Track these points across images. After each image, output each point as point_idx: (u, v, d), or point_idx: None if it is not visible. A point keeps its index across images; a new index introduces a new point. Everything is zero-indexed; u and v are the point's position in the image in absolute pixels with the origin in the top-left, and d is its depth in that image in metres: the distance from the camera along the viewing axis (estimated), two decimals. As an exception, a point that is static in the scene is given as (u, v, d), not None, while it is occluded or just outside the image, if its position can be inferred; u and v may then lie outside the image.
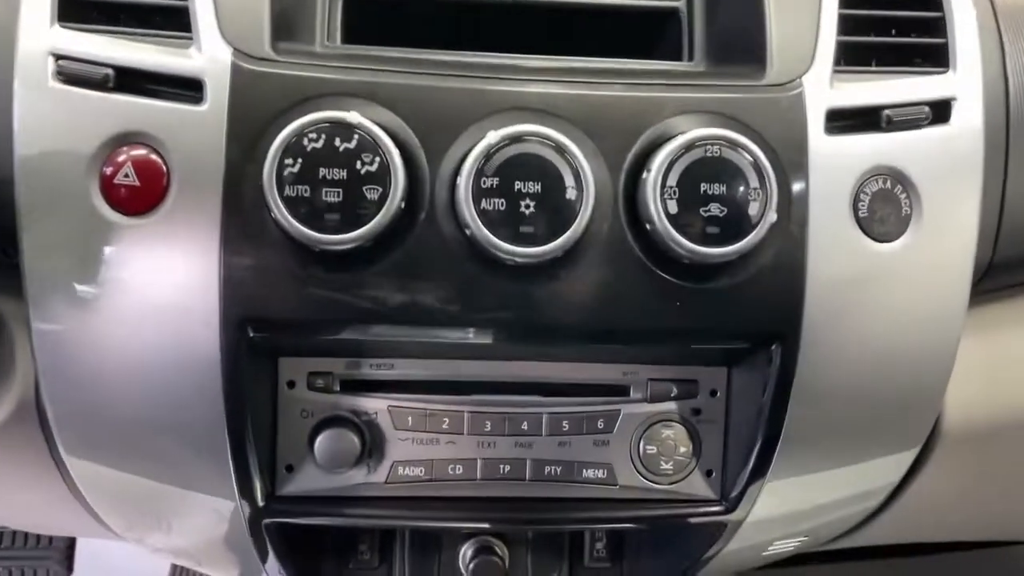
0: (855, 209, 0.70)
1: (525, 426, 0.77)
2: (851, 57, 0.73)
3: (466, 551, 0.96)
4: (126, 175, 0.65)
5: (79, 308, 0.67)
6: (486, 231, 0.63)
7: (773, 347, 0.71)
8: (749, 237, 0.65)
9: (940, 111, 0.72)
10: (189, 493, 0.76)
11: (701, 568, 0.92)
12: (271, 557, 0.83)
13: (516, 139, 0.64)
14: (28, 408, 0.75)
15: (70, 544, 1.51)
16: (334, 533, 0.95)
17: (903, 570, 1.41)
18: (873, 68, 0.73)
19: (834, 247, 0.70)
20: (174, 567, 1.56)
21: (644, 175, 0.66)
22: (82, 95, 0.65)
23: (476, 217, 0.63)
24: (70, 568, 1.51)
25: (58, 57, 0.66)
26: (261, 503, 0.75)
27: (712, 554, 0.87)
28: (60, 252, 0.66)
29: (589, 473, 0.78)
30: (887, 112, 0.71)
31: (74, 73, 0.65)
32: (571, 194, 0.64)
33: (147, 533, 0.85)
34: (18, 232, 0.66)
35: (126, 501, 0.79)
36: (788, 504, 0.82)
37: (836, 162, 0.70)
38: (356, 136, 0.63)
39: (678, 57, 0.79)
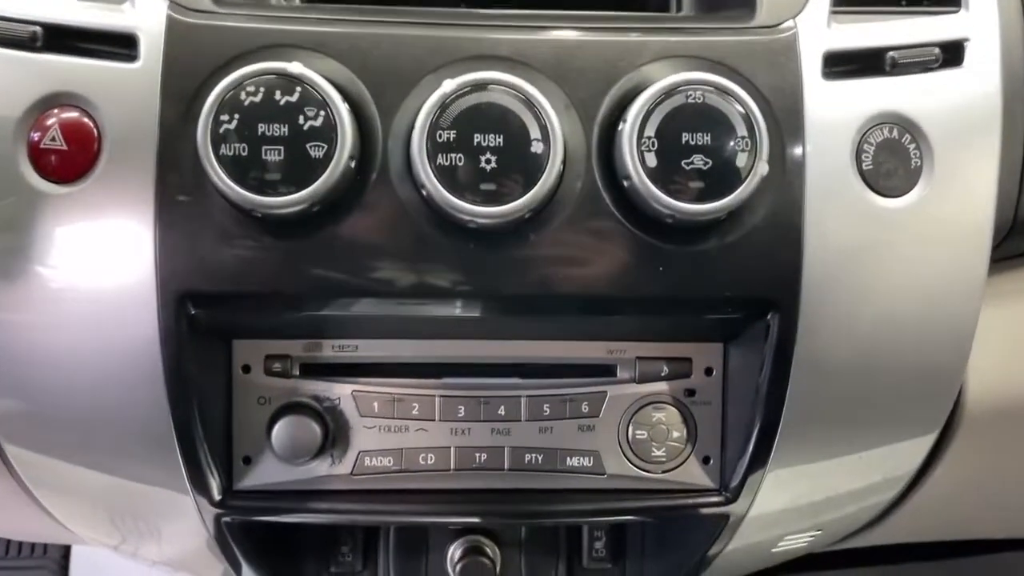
0: (858, 161, 0.63)
1: (502, 411, 0.71)
2: None
3: (454, 552, 0.90)
4: (53, 139, 0.60)
5: (7, 287, 0.61)
6: (443, 190, 0.57)
7: (769, 317, 0.64)
8: (737, 192, 0.59)
9: (952, 53, 0.65)
10: (142, 487, 0.70)
11: (706, 568, 0.85)
12: (243, 563, 0.78)
13: (476, 87, 0.58)
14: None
15: (65, 554, 1.47)
16: (312, 533, 0.90)
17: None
18: (874, 8, 0.66)
19: (835, 203, 0.63)
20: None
21: (620, 126, 0.59)
22: (8, 56, 0.61)
23: (432, 175, 0.57)
24: (64, 578, 1.47)
25: (-18, 15, 0.61)
26: (217, 498, 0.69)
27: (716, 551, 0.80)
28: (-13, 225, 0.61)
29: (574, 461, 0.72)
30: (892, 54, 0.64)
31: (0, 32, 0.61)
32: (537, 147, 0.58)
33: (107, 533, 0.80)
34: None
35: (75, 496, 0.74)
36: (795, 495, 0.75)
37: (836, 109, 0.63)
38: (298, 89, 0.57)
39: (666, 10, 0.72)
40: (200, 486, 0.68)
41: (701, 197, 0.58)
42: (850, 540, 0.93)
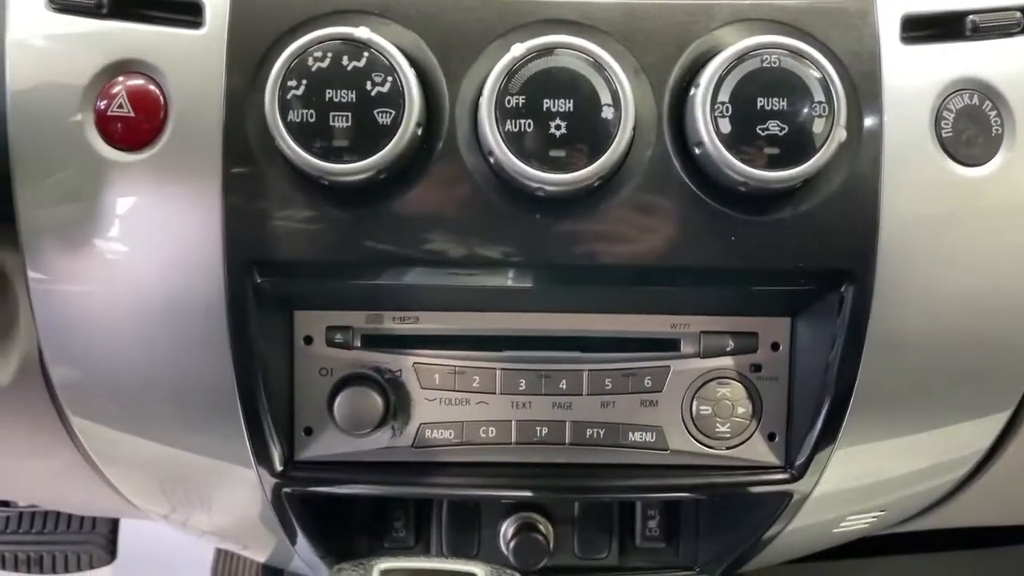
0: (937, 128, 0.61)
1: (564, 385, 0.70)
2: None
3: (507, 528, 0.89)
4: (120, 106, 0.60)
5: (76, 257, 0.62)
6: (512, 156, 0.56)
7: (843, 289, 0.62)
8: (814, 159, 0.57)
9: (1035, 16, 0.63)
10: (205, 461, 0.71)
11: (764, 548, 0.83)
12: (300, 535, 0.78)
13: (545, 52, 0.57)
14: (33, 368, 0.71)
15: (113, 529, 1.49)
16: (365, 507, 0.90)
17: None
18: None
19: (913, 171, 0.61)
20: (217, 553, 1.53)
21: (692, 91, 0.58)
22: (75, 23, 0.61)
23: (500, 141, 0.56)
24: (113, 553, 1.49)
25: (50, -17, 0.61)
26: (279, 469, 0.69)
27: (777, 531, 0.79)
28: (54, 195, 0.61)
29: (636, 437, 0.71)
30: (973, 18, 0.62)
31: (66, 0, 0.60)
32: (608, 113, 0.56)
33: (166, 507, 0.81)
34: (10, 175, 0.61)
35: (138, 468, 0.74)
36: (862, 474, 0.73)
37: (914, 75, 0.61)
38: (366, 54, 0.56)
39: None
40: (262, 457, 0.68)
41: (776, 164, 0.57)
42: (911, 523, 0.91)
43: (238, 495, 0.74)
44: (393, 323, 0.70)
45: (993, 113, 0.61)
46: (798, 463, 0.70)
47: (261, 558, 0.95)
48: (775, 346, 0.70)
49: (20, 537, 1.45)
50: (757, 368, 0.70)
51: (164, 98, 0.60)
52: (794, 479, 0.71)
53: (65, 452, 0.75)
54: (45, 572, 1.47)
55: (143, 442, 0.70)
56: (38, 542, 1.45)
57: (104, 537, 1.48)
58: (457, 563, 0.58)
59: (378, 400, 0.68)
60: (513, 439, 0.70)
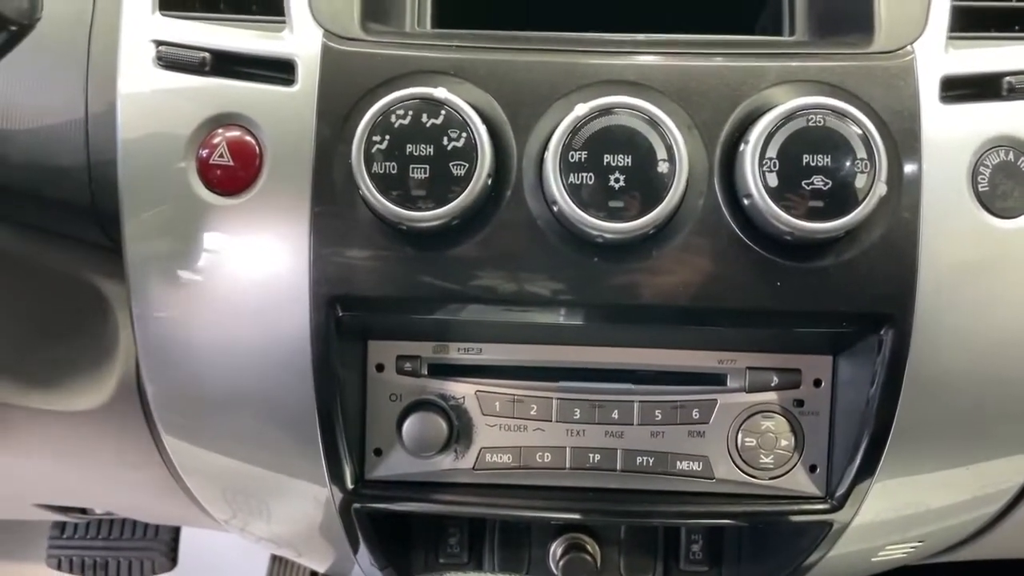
0: (974, 183, 0.65)
1: (616, 415, 0.75)
2: (967, 23, 0.68)
3: (556, 548, 0.94)
4: (221, 155, 0.66)
5: (176, 288, 0.68)
6: (574, 206, 0.61)
7: (883, 331, 0.66)
8: (856, 211, 0.61)
9: (1068, 78, 0.66)
10: (282, 477, 0.77)
11: (804, 574, 0.87)
12: (362, 546, 0.83)
13: (606, 111, 0.62)
14: (130, 389, 0.77)
15: (174, 537, 1.56)
16: (423, 524, 0.94)
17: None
18: (991, 34, 0.68)
19: (951, 223, 0.65)
20: (273, 559, 1.59)
21: (742, 147, 0.63)
22: (180, 79, 0.67)
23: (564, 192, 0.62)
24: (174, 560, 1.55)
25: (159, 43, 0.68)
26: (351, 486, 0.74)
27: (817, 559, 0.82)
28: (159, 233, 0.68)
29: (684, 465, 0.75)
30: (1009, 79, 0.66)
31: (173, 58, 0.67)
32: (663, 167, 0.61)
33: (242, 518, 0.87)
34: (120, 215, 0.68)
35: (222, 484, 0.80)
36: (900, 505, 0.77)
37: (952, 133, 0.65)
38: (443, 112, 0.62)
39: (779, 32, 0.75)
40: (336, 474, 0.73)
41: (820, 216, 0.61)
42: (950, 554, 0.94)
43: (309, 508, 0.80)
44: (458, 354, 0.75)
45: None
46: (838, 494, 0.74)
47: (320, 567, 1.01)
48: (817, 382, 0.74)
49: (88, 543, 1.52)
50: (800, 403, 0.74)
51: (259, 148, 0.66)
52: (834, 509, 0.74)
53: (153, 467, 0.81)
54: (110, 576, 1.54)
55: (228, 461, 0.76)
56: (104, 548, 1.52)
57: (166, 544, 1.54)
58: (517, 579, 0.63)
59: (443, 425, 0.74)
60: (567, 464, 0.75)
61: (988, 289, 0.66)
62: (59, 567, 1.53)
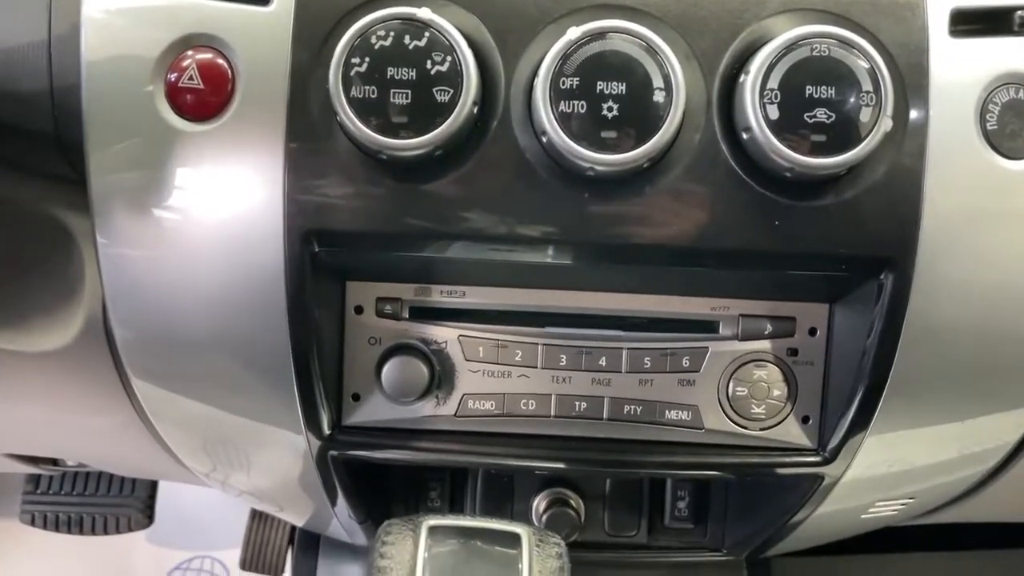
0: (982, 122, 0.62)
1: (603, 362, 0.72)
2: None
3: (540, 502, 0.92)
4: (191, 78, 0.62)
5: (143, 220, 0.65)
6: (564, 136, 0.58)
7: (883, 276, 0.64)
8: (860, 147, 0.58)
9: (1083, 13, 0.63)
10: (256, 425, 0.74)
11: (792, 531, 0.85)
12: (340, 498, 0.81)
13: (600, 35, 0.58)
14: (96, 329, 0.74)
15: (151, 493, 1.53)
16: (403, 477, 0.92)
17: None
18: None
19: (957, 163, 0.62)
20: (252, 517, 1.57)
21: (742, 78, 0.60)
22: None
23: (554, 121, 0.58)
24: (151, 517, 1.53)
25: (124, -42, 0.63)
26: (327, 432, 0.72)
27: (805, 515, 0.81)
28: (124, 161, 0.64)
29: (672, 415, 0.73)
30: (1020, 14, 0.63)
31: None
32: (659, 97, 0.58)
33: (215, 468, 0.84)
34: (84, 143, 0.64)
35: (195, 432, 0.77)
36: (893, 460, 0.75)
37: (961, 68, 0.62)
38: (427, 34, 0.59)
39: None
40: (312, 420, 0.71)
41: (822, 151, 0.58)
42: (936, 514, 0.92)
43: (284, 457, 0.77)
44: (440, 296, 0.72)
45: None
46: (831, 447, 0.72)
47: (299, 521, 0.99)
48: (812, 331, 0.72)
49: (62, 498, 1.49)
50: (794, 352, 0.72)
51: (232, 71, 0.62)
52: (826, 462, 0.72)
53: (122, 411, 0.78)
54: (85, 533, 1.51)
55: (199, 406, 0.73)
56: (79, 503, 1.49)
57: (143, 501, 1.52)
58: (502, 523, 0.61)
59: (424, 370, 0.71)
60: (552, 412, 0.73)
61: (994, 234, 0.63)
62: (33, 523, 1.51)
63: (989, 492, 0.85)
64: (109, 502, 1.51)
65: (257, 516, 1.60)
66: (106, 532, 1.51)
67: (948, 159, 0.62)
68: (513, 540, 0.59)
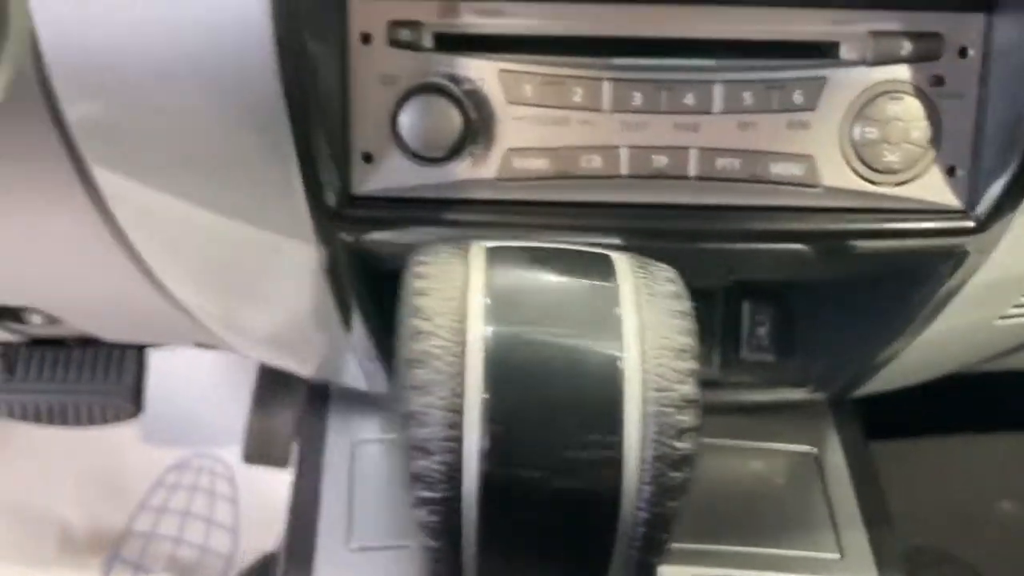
0: None
1: (690, 99, 0.55)
2: None
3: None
4: None
5: None
6: None
7: None
8: None
9: None
10: (246, 207, 0.58)
11: (897, 356, 0.70)
12: (355, 314, 0.65)
13: None
14: (29, 88, 0.57)
15: (138, 380, 1.39)
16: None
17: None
18: None
19: None
20: (254, 404, 1.43)
21: None
22: None
23: None
24: (138, 406, 1.39)
25: None
26: (334, 202, 0.55)
27: (924, 324, 0.65)
28: None
29: (780, 169, 0.56)
30: None
31: None
32: None
33: (202, 293, 0.68)
34: None
35: (175, 244, 0.62)
36: None
37: None
38: None
39: None
40: (313, 189, 0.54)
41: None
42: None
43: (285, 258, 0.61)
44: (474, 17, 0.55)
45: None
46: (982, 208, 0.56)
47: (311, 367, 0.83)
48: (963, 52, 0.55)
49: (42, 386, 1.36)
50: (939, 80, 0.55)
51: None
52: (979, 228, 0.56)
53: (87, 216, 0.62)
54: (69, 424, 1.38)
55: (178, 203, 0.57)
56: (60, 391, 1.36)
57: (129, 388, 1.39)
58: (583, 247, 0.45)
59: (455, 116, 0.54)
60: (623, 170, 0.56)
61: None
62: (11, 415, 1.37)
63: None
64: (93, 389, 1.38)
65: (259, 405, 1.49)
66: (91, 422, 1.39)
67: None
68: (604, 263, 0.43)
